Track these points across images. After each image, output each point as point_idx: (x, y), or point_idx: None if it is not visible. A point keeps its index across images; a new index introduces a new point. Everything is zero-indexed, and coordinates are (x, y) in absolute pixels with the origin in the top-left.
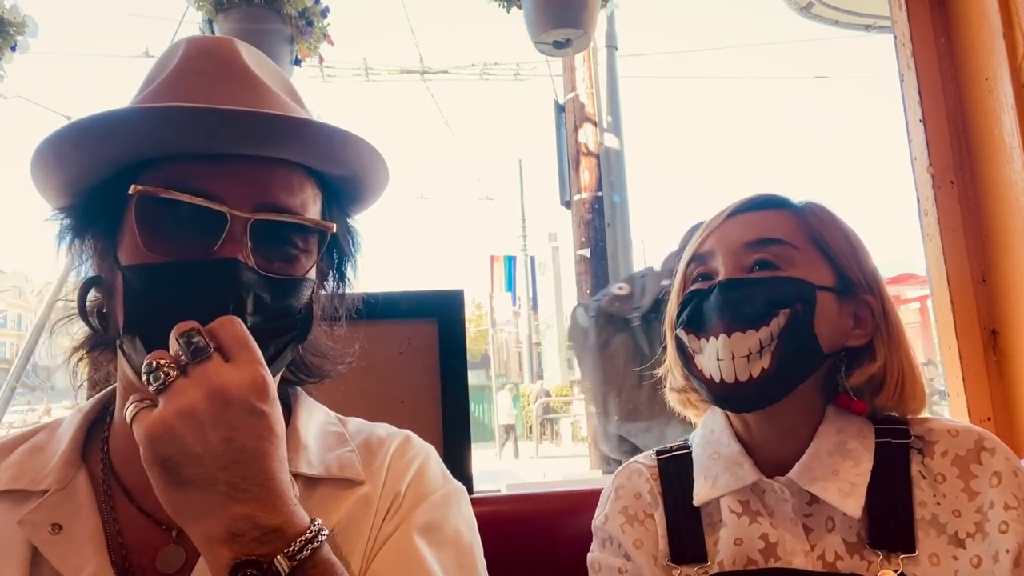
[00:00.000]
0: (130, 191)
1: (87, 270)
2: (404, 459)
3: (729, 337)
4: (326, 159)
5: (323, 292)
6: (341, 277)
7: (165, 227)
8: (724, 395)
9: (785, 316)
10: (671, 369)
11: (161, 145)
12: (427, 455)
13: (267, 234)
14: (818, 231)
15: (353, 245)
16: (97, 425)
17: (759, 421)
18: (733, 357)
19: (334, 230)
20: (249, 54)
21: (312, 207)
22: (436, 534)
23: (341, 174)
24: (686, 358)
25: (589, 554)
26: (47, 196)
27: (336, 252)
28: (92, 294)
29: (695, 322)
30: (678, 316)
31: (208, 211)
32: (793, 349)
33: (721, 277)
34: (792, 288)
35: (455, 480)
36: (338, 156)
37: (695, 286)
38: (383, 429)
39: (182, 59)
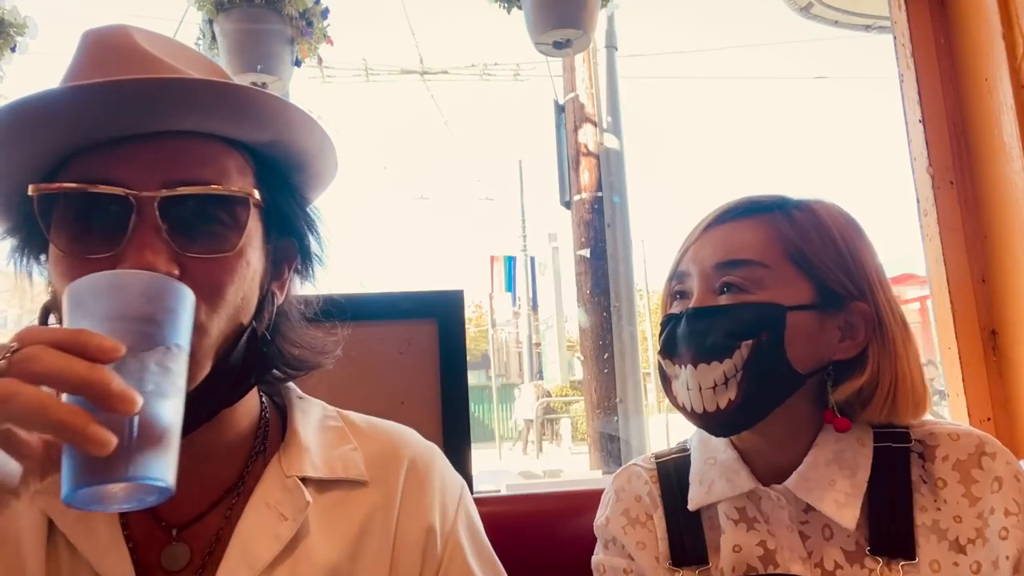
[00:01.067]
0: (29, 192)
1: (48, 288)
2: (420, 477)
3: (696, 368)
4: (233, 122)
5: (289, 278)
6: (306, 258)
7: (75, 224)
8: (698, 423)
9: (748, 348)
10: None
11: (53, 138)
12: (440, 470)
13: (183, 213)
14: (795, 243)
15: (308, 223)
16: None
17: (750, 436)
18: (700, 388)
19: (256, 198)
20: (148, 38)
21: (237, 179)
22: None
23: (263, 138)
24: (665, 382)
25: (593, 557)
26: None
27: (292, 233)
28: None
29: (669, 348)
30: (659, 338)
31: (112, 198)
32: (760, 378)
33: (693, 300)
34: (756, 316)
35: (458, 476)
36: (245, 116)
37: (672, 308)
38: (389, 427)
39: (76, 55)
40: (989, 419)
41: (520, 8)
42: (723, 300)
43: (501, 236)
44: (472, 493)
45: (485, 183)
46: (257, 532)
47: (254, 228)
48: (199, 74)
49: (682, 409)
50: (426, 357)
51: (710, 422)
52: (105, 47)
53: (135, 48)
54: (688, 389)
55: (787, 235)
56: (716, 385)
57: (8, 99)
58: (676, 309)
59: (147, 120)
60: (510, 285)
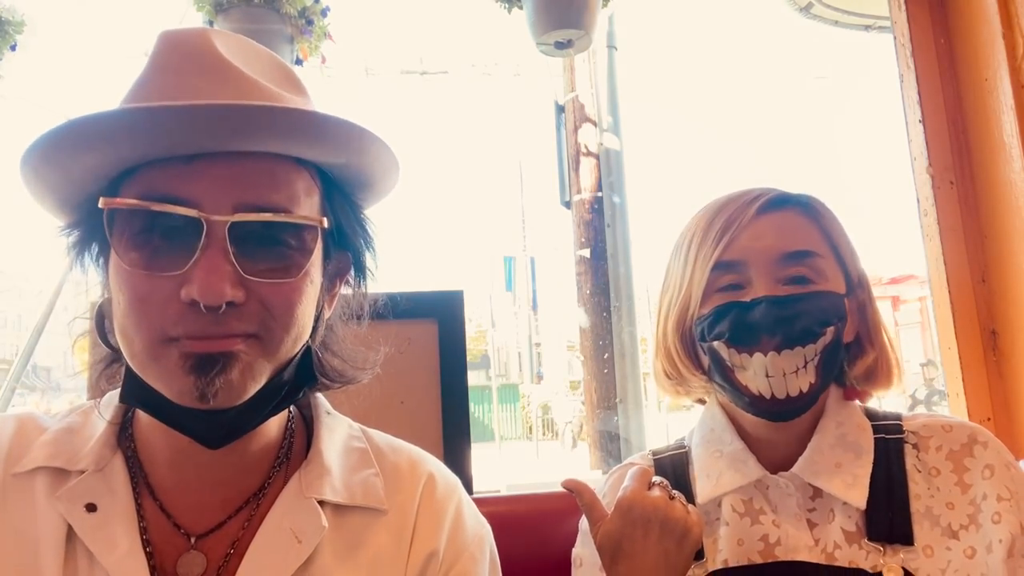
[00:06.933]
0: (99, 205)
1: (103, 289)
2: (435, 506)
3: (779, 354)
4: (310, 147)
5: (342, 290)
6: (359, 272)
7: (142, 238)
8: (771, 410)
9: (831, 334)
10: (676, 364)
11: (130, 151)
12: (458, 500)
13: (251, 236)
14: (832, 235)
15: (365, 239)
16: (124, 419)
17: (766, 426)
18: (784, 373)
19: (324, 225)
20: (226, 43)
21: (305, 201)
22: None
23: (336, 162)
24: (724, 371)
25: (574, 549)
26: (51, 214)
27: (349, 247)
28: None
29: (738, 336)
30: (711, 327)
31: (183, 218)
32: (832, 361)
33: (758, 290)
34: (832, 304)
35: (482, 518)
36: (325, 144)
37: (727, 296)
38: (414, 455)
39: (155, 56)
40: (989, 419)
41: (521, 8)
42: (791, 289)
43: (501, 236)
44: (472, 493)
45: (485, 183)
46: (271, 554)
47: (317, 249)
48: (275, 84)
49: (756, 397)
50: (426, 357)
51: (784, 407)
52: (184, 53)
53: (215, 56)
54: (768, 376)
55: (826, 227)
56: (797, 369)
57: (8, 99)
58: (727, 299)
59: (225, 141)
60: (510, 285)
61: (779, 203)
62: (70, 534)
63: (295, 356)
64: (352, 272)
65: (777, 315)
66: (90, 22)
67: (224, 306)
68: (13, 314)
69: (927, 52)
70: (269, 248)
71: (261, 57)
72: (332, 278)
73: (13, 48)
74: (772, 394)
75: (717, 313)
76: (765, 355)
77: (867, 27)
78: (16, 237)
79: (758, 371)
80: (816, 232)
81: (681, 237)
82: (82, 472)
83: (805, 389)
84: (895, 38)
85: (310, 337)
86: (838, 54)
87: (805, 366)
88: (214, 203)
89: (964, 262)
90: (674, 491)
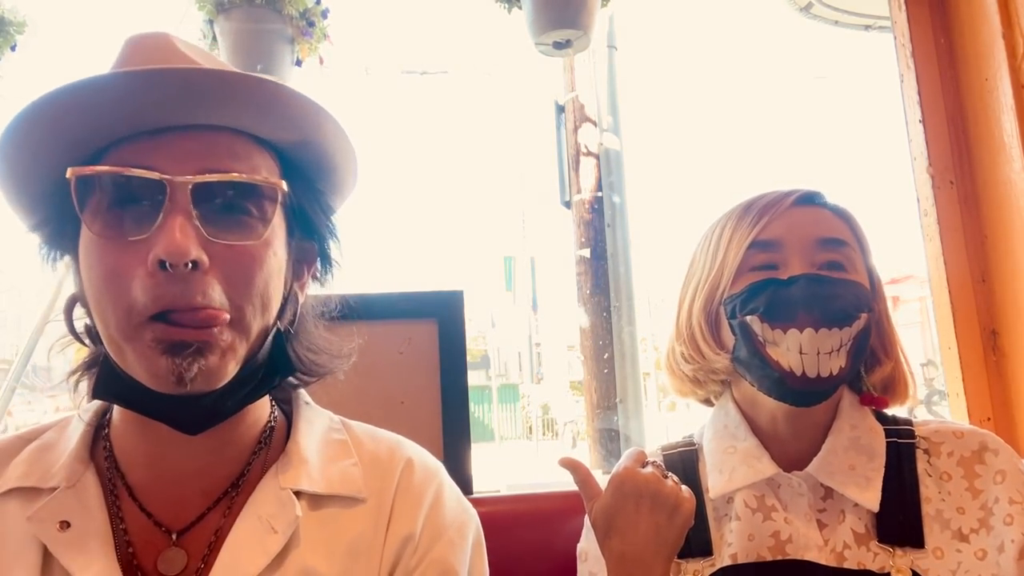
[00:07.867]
0: (67, 175)
1: (73, 284)
2: (413, 490)
3: (816, 332)
4: (266, 118)
5: (307, 281)
6: (325, 261)
7: (112, 211)
8: (799, 388)
9: (863, 320)
10: (699, 344)
11: (92, 128)
12: (438, 485)
13: (213, 201)
14: (861, 240)
15: (329, 227)
16: (101, 422)
17: (797, 415)
18: (818, 352)
19: (284, 189)
20: (188, 46)
21: (266, 175)
22: None
23: (292, 138)
24: (754, 346)
25: (579, 544)
26: (19, 215)
27: (313, 235)
28: (79, 309)
29: (773, 312)
30: (745, 303)
31: (147, 182)
32: (860, 352)
33: (794, 269)
34: (864, 294)
35: (467, 505)
36: (282, 115)
37: (761, 274)
38: (393, 443)
39: (119, 57)
40: (989, 419)
41: (520, 8)
42: (837, 274)
43: (501, 236)
44: (472, 493)
45: (485, 183)
46: (246, 544)
47: (279, 223)
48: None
49: (787, 374)
50: (426, 357)
51: (811, 387)
52: (148, 48)
53: (176, 52)
54: (802, 353)
55: (856, 231)
56: (832, 351)
57: (7, 99)
58: (761, 277)
59: (185, 112)
60: (510, 285)
61: (813, 199)
62: (45, 554)
63: (266, 335)
64: (319, 263)
65: (816, 293)
66: (90, 22)
67: (189, 265)
68: (13, 314)
69: (927, 52)
70: (230, 215)
71: (216, 62)
72: (299, 263)
73: (14, 48)
74: (803, 371)
75: (752, 289)
76: (801, 331)
77: (867, 27)
78: (16, 237)
79: (791, 347)
80: (848, 231)
81: (710, 229)
82: (54, 489)
83: (835, 372)
84: (895, 38)
85: (279, 318)
86: (838, 54)
87: (839, 349)
88: (177, 169)
89: (964, 262)
90: (668, 472)
